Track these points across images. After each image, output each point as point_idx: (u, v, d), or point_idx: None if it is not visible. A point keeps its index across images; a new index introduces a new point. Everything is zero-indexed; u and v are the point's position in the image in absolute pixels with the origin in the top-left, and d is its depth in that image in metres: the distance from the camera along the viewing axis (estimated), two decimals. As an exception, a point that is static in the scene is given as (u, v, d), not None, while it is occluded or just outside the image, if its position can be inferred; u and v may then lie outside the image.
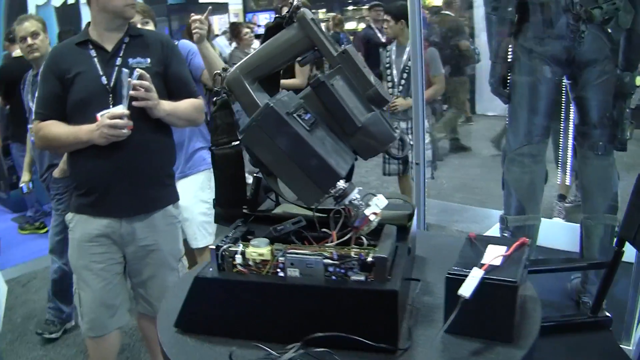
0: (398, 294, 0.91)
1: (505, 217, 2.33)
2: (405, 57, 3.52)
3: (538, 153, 2.23)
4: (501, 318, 0.95)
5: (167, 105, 1.81)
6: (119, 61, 1.80)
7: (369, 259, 0.94)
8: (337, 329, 0.92)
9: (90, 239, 1.89)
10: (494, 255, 1.02)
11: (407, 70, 3.50)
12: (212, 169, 1.17)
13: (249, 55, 1.06)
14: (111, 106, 1.77)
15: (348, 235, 1.00)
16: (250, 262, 1.00)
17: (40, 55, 2.80)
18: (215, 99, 1.09)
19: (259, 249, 0.99)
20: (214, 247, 1.01)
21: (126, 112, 1.72)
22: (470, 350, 0.94)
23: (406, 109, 3.45)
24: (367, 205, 0.99)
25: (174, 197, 2.01)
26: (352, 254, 0.95)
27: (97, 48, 1.82)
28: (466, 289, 0.93)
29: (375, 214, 0.98)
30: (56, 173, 2.72)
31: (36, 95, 1.93)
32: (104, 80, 1.78)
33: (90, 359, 2.26)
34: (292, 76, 4.19)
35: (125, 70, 1.74)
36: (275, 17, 1.05)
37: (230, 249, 1.00)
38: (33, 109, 2.05)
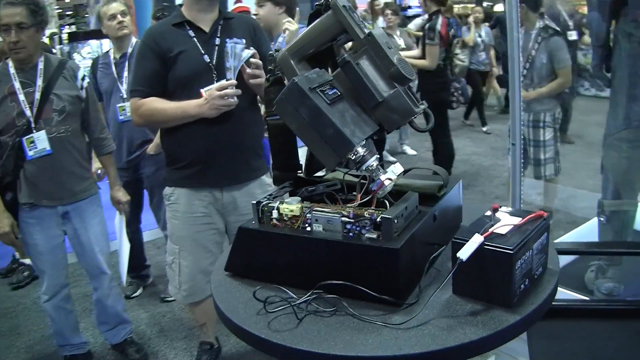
0: (398, 252, 1.02)
1: (601, 202, 2.24)
2: (530, 44, 3.29)
3: (636, 138, 2.10)
4: (499, 283, 1.01)
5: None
6: (217, 41, 1.97)
7: (379, 219, 1.06)
8: (349, 279, 1.06)
9: (196, 210, 2.05)
10: (504, 224, 1.07)
11: (530, 60, 3.29)
12: None
13: (296, 39, 1.22)
14: (215, 82, 1.93)
15: (367, 198, 1.12)
16: (285, 217, 1.16)
17: (129, 33, 2.96)
18: (268, 76, 1.26)
19: (290, 206, 1.15)
20: (254, 202, 1.19)
21: (234, 82, 1.85)
22: (469, 311, 1.03)
23: (530, 102, 3.25)
24: (385, 172, 1.10)
25: (266, 167, 2.18)
26: (365, 214, 1.08)
27: (195, 29, 1.98)
28: (464, 252, 1.01)
29: (390, 179, 1.09)
30: (151, 149, 2.95)
31: (131, 73, 2.07)
32: (206, 58, 1.95)
33: (196, 321, 2.57)
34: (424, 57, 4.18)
35: (238, 42, 1.85)
36: (316, 5, 1.19)
37: (268, 204, 1.19)
38: (126, 88, 2.16)
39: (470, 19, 6.80)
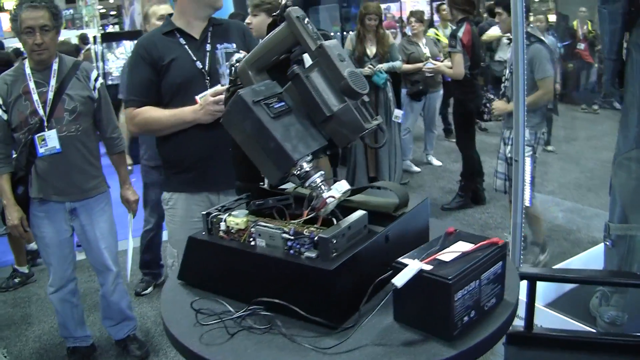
0: (332, 274, 0.98)
1: (608, 225, 2.11)
2: (510, 53, 3.14)
3: (647, 158, 1.97)
4: (438, 314, 0.96)
5: None
6: (208, 47, 1.98)
7: (316, 238, 1.02)
8: (287, 297, 1.03)
9: (194, 214, 2.03)
10: (452, 250, 1.01)
11: (512, 70, 3.07)
12: None
13: (253, 49, 1.20)
14: (209, 88, 1.94)
15: (312, 214, 1.08)
16: (233, 230, 1.14)
17: None
18: (229, 86, 1.24)
19: (236, 219, 1.13)
20: (204, 212, 1.17)
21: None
22: (406, 341, 0.97)
23: (509, 114, 3.04)
24: (329, 189, 1.06)
25: None
26: (305, 232, 1.04)
27: (186, 36, 1.99)
28: (400, 279, 0.95)
29: (333, 197, 1.05)
30: None
31: (128, 82, 2.06)
32: (199, 64, 1.96)
33: None
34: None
35: (228, 48, 1.88)
36: (272, 15, 1.16)
37: (218, 216, 1.16)
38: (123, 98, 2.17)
39: None
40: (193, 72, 1.97)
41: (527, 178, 2.27)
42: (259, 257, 1.08)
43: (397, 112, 4.63)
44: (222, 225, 1.15)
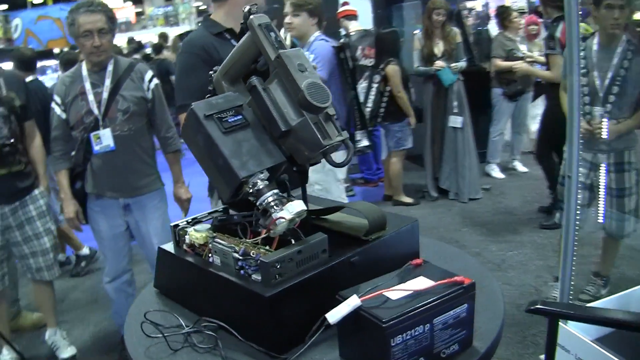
0: (267, 301, 0.91)
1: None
2: (616, 60, 2.52)
3: None
4: (377, 355, 0.86)
5: None
6: None
7: (259, 261, 0.96)
8: (233, 319, 0.99)
9: None
10: (405, 288, 0.91)
11: (618, 81, 2.52)
12: None
13: (225, 59, 1.16)
14: None
15: (263, 235, 1.02)
16: (196, 244, 1.11)
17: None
18: (208, 96, 1.21)
19: (197, 233, 1.10)
20: (172, 224, 1.16)
21: None
22: (344, 381, 0.89)
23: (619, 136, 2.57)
24: (282, 209, 0.99)
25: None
26: (252, 253, 0.99)
27: (236, 38, 1.84)
28: (334, 315, 0.87)
29: (283, 218, 0.98)
30: None
31: (184, 84, 1.99)
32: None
33: None
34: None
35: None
36: (241, 23, 1.11)
37: (184, 229, 1.14)
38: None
39: None
40: None
41: (580, 197, 1.99)
42: (211, 274, 1.04)
43: (456, 118, 4.42)
44: (187, 239, 1.13)
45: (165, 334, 1.01)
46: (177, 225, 1.16)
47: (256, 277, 0.98)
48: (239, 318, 0.99)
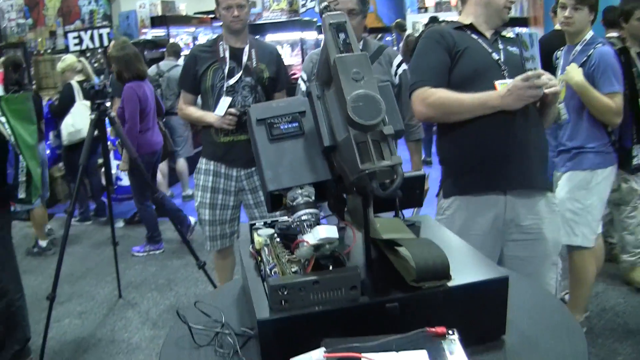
0: (260, 324, 0.85)
1: None
2: None
3: None
4: None
5: None
6: (501, 45, 1.90)
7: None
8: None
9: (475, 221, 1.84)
10: (397, 359, 0.72)
11: None
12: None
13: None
14: (506, 78, 1.82)
15: (295, 255, 0.94)
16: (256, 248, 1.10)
17: None
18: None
19: (258, 237, 1.08)
20: (250, 222, 1.17)
21: (541, 71, 1.72)
22: None
23: None
24: (309, 231, 0.90)
25: (549, 183, 1.92)
26: (273, 271, 0.93)
27: (476, 32, 1.93)
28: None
29: (306, 242, 0.89)
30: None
31: (419, 64, 1.98)
32: (495, 55, 1.88)
33: None
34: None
35: (533, 33, 1.77)
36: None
37: (258, 229, 1.14)
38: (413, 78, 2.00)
39: None
40: (488, 61, 1.87)
41: None
42: (245, 281, 1.02)
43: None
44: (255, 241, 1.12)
45: (198, 327, 1.03)
46: (253, 224, 1.16)
47: (274, 297, 0.91)
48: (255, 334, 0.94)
